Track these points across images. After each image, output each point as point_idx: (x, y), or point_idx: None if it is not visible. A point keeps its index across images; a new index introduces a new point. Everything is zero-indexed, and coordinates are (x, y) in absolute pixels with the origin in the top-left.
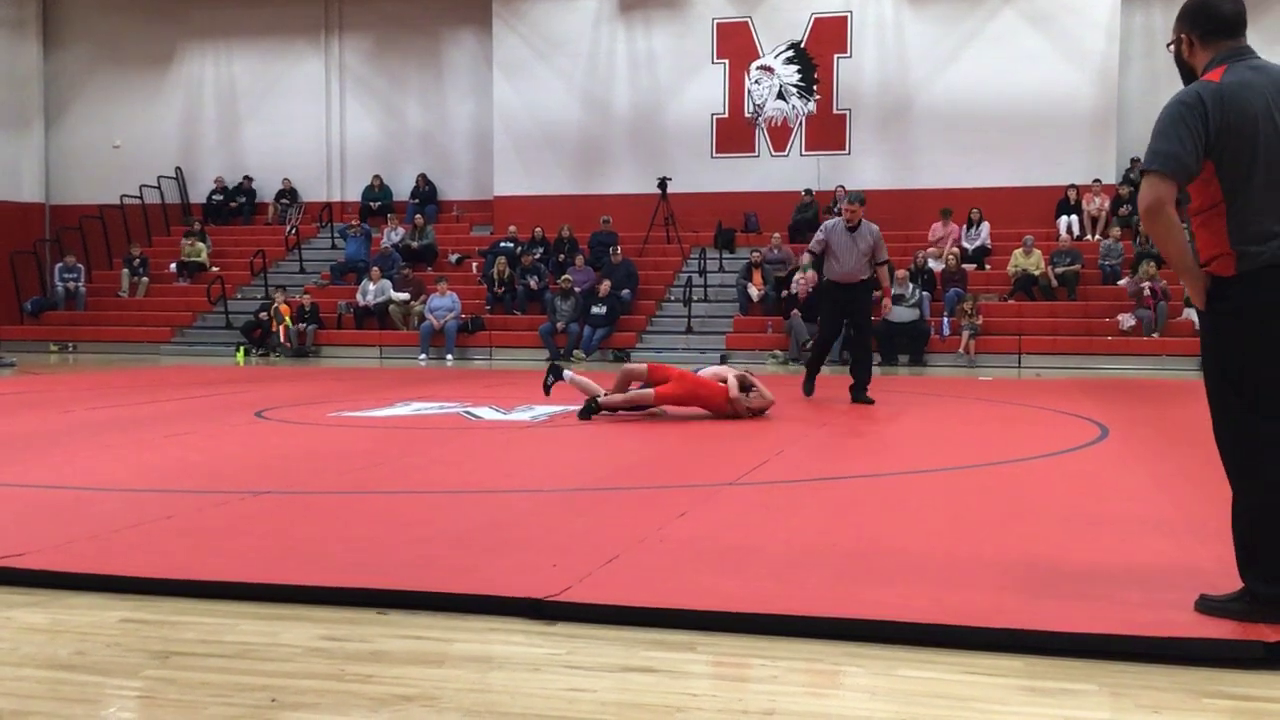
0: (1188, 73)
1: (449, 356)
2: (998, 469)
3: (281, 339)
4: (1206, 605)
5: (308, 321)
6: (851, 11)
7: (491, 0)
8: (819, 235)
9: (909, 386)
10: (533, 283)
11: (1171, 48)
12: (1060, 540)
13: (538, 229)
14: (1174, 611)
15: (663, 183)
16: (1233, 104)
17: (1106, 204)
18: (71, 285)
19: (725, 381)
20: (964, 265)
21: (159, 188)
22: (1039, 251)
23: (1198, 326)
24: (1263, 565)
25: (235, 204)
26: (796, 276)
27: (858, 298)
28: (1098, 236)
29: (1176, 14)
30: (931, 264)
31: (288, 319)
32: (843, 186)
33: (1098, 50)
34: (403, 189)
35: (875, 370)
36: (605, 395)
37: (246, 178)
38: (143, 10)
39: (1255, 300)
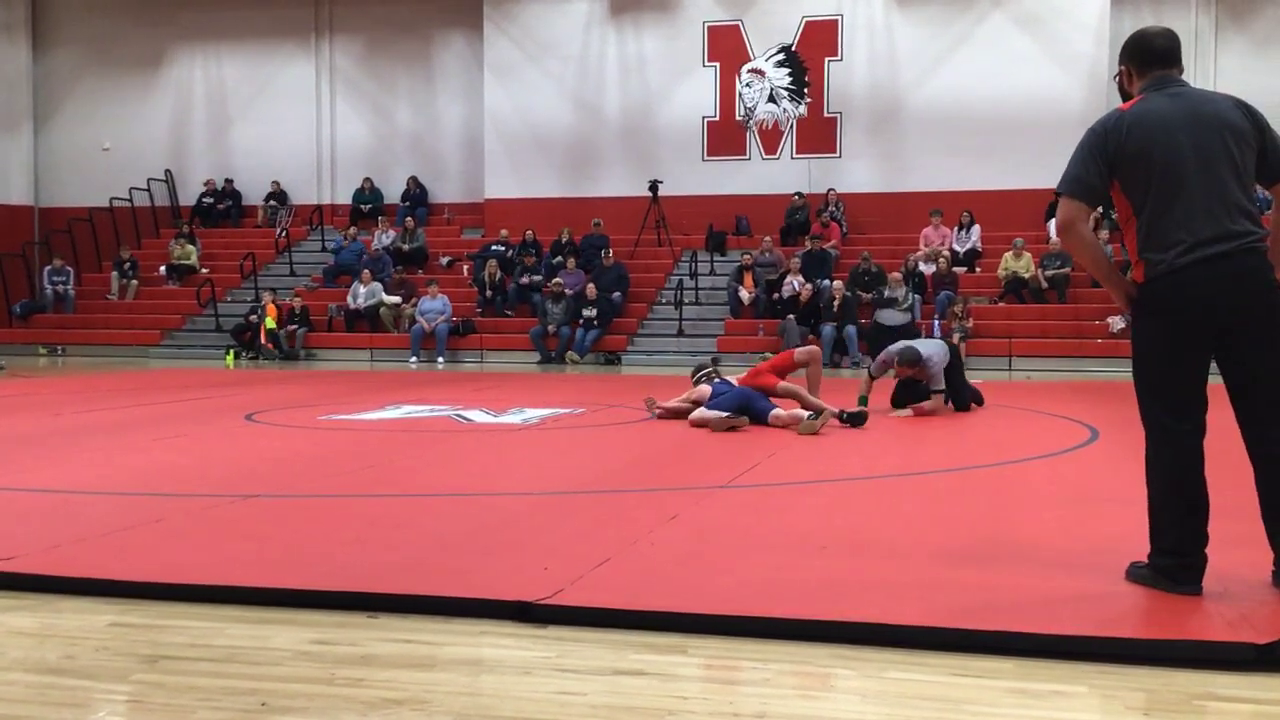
0: (1127, 99)
1: (440, 359)
2: (988, 471)
3: (262, 340)
4: (1130, 572)
5: (298, 324)
6: (842, 15)
7: (482, 3)
8: (883, 359)
9: None
10: (526, 279)
11: (1116, 79)
12: (1050, 542)
13: (529, 231)
14: (1165, 613)
15: (654, 185)
16: (1133, 130)
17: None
18: (60, 288)
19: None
20: (954, 268)
21: (148, 190)
22: (1029, 254)
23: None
24: (1156, 538)
25: (223, 206)
26: (788, 278)
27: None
28: None
29: (1122, 46)
30: (922, 267)
31: (270, 320)
32: (833, 189)
33: (1087, 53)
34: (393, 191)
35: (866, 373)
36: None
37: (228, 180)
38: (132, 12)
39: (1160, 304)
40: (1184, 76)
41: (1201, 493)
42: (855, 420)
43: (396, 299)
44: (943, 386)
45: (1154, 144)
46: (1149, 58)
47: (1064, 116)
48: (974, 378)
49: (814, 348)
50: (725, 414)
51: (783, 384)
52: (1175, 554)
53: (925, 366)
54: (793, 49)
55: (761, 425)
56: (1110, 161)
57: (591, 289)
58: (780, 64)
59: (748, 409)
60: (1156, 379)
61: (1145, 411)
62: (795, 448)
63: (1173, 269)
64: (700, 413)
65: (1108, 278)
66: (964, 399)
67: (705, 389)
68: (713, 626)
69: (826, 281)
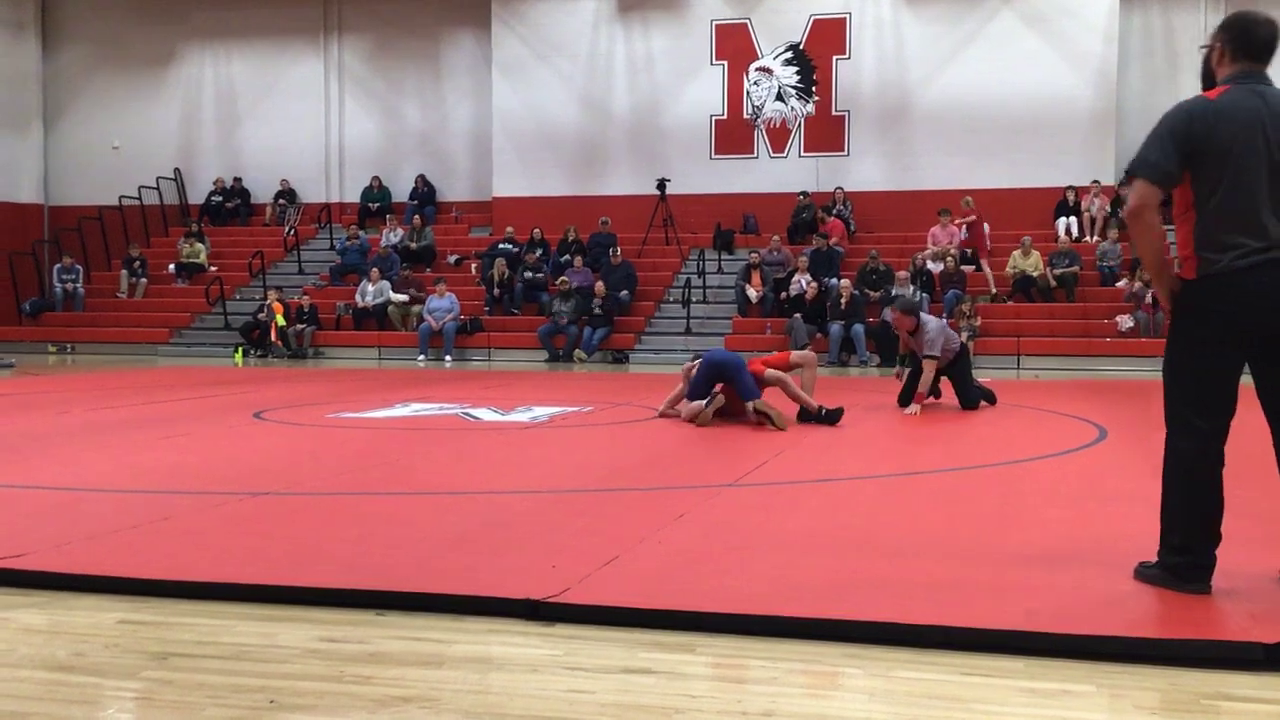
0: (1208, 77)
1: (448, 358)
2: (996, 470)
3: (272, 338)
4: (1138, 571)
5: (306, 322)
6: (850, 13)
7: (490, 2)
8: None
9: None
10: (528, 276)
11: (1203, 50)
12: (1058, 542)
13: (536, 230)
14: (1174, 613)
15: (661, 184)
16: (1216, 123)
17: (1105, 205)
18: (70, 286)
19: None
20: (962, 267)
21: (158, 189)
22: (1037, 253)
23: None
24: (1167, 535)
25: (231, 205)
26: (796, 277)
27: (950, 370)
28: (1096, 238)
29: (1221, 21)
30: (930, 266)
31: (279, 318)
32: (841, 188)
33: (1096, 52)
34: (401, 190)
35: (874, 371)
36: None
37: (236, 179)
38: (142, 11)
39: (1208, 304)
40: (1189, 75)
41: (1217, 493)
42: (832, 418)
43: (404, 297)
44: (936, 353)
45: (1234, 141)
46: (1249, 46)
47: (1072, 115)
48: (982, 376)
49: (811, 353)
50: (700, 401)
51: (770, 372)
52: (1185, 552)
53: (920, 324)
54: (800, 47)
55: (737, 404)
56: (1188, 149)
57: (600, 287)
58: (788, 62)
59: (719, 376)
60: (1188, 378)
61: (1170, 408)
62: (803, 446)
63: (1228, 271)
64: (686, 408)
65: (1159, 272)
66: (972, 398)
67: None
68: (721, 625)
69: (834, 280)
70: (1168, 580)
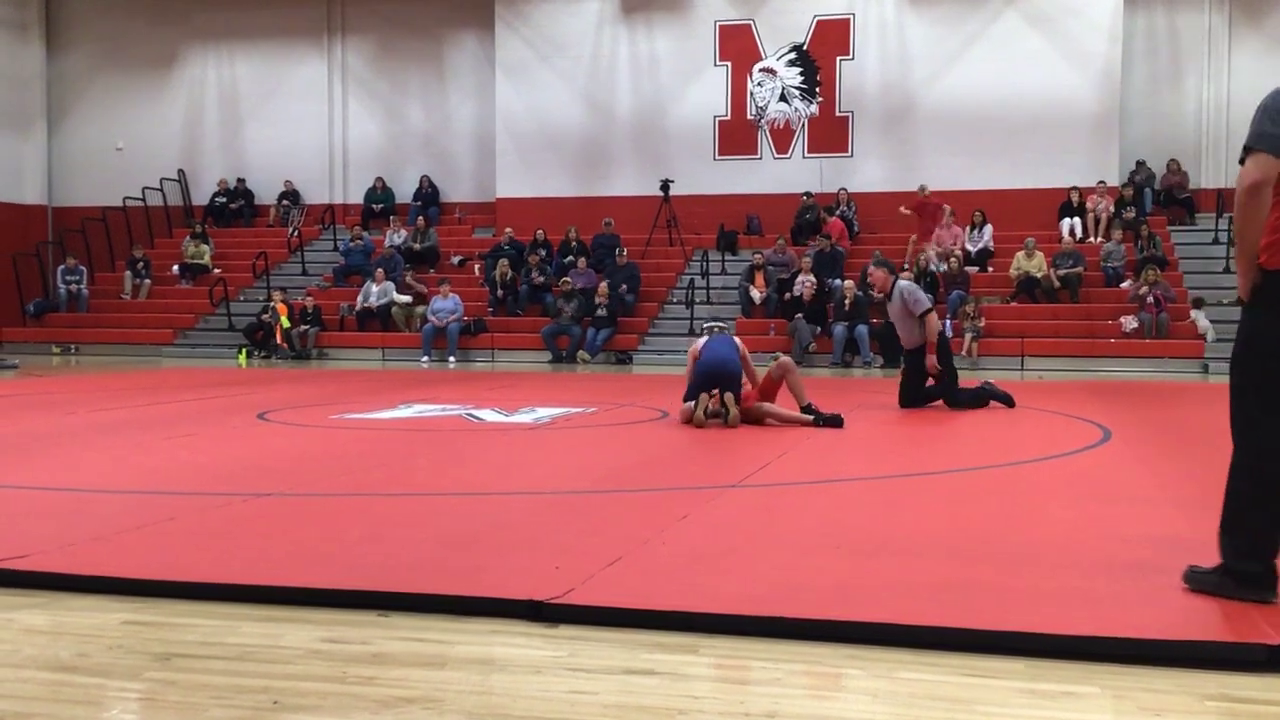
0: None
1: (451, 359)
2: (1000, 471)
3: (278, 340)
4: (1191, 576)
5: (310, 323)
6: (854, 14)
7: (494, 2)
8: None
9: None
10: (537, 277)
11: None
12: (1062, 543)
13: (540, 231)
14: (1177, 614)
15: (665, 185)
16: None
17: (1110, 206)
18: (74, 287)
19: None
20: (966, 267)
21: (161, 190)
22: (1041, 253)
23: (1200, 329)
24: (1235, 539)
25: (235, 206)
26: (800, 277)
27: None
28: (1100, 239)
29: None
30: (934, 266)
31: (284, 319)
32: (845, 189)
33: (1100, 52)
34: (405, 191)
35: (878, 373)
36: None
37: (240, 180)
38: (145, 12)
39: None
40: (1194, 76)
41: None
42: (833, 423)
43: (408, 298)
44: (929, 307)
45: None
46: None
47: (1076, 115)
48: (986, 377)
49: (784, 359)
50: (690, 403)
51: (755, 406)
52: (1253, 556)
53: (895, 286)
54: (804, 48)
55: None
56: None
57: (603, 288)
58: (792, 63)
59: (715, 382)
60: (1261, 375)
61: (1239, 405)
62: (805, 448)
63: None
64: (680, 410)
65: (1249, 257)
66: (958, 399)
67: (698, 345)
68: (724, 626)
69: (838, 281)
70: (1230, 589)
